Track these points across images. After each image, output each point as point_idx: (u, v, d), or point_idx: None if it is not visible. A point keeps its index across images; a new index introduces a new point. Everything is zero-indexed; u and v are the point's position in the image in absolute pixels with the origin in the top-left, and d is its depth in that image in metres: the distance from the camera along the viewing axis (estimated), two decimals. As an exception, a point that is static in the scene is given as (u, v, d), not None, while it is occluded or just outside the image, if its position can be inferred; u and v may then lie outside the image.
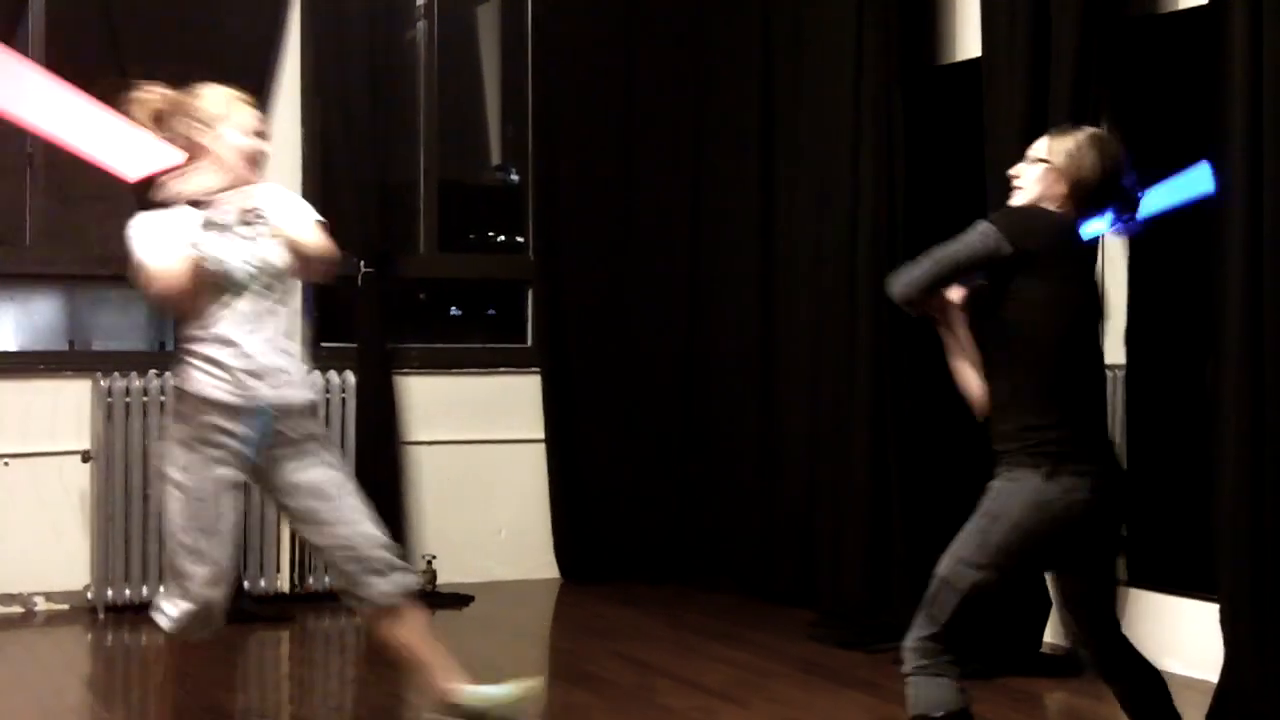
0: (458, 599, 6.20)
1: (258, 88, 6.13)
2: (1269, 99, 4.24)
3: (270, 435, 3.55)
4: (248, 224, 3.59)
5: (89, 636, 5.61)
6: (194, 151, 3.58)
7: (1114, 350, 5.49)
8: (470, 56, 7.37)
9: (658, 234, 6.87)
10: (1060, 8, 4.96)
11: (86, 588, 5.88)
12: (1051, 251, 3.20)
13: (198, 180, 3.56)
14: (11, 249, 6.08)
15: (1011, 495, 3.20)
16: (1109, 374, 5.58)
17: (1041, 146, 3.32)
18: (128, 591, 5.84)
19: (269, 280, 3.58)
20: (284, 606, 5.90)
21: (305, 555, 6.08)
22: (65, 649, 5.45)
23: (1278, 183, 4.23)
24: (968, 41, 5.66)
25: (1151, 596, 5.09)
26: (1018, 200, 3.34)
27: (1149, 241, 5.39)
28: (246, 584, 5.92)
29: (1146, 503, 5.41)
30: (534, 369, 6.76)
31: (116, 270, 6.31)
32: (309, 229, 3.58)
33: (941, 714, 3.25)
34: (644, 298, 6.85)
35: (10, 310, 6.60)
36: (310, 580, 6.08)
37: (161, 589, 3.66)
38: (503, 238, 7.41)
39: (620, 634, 5.68)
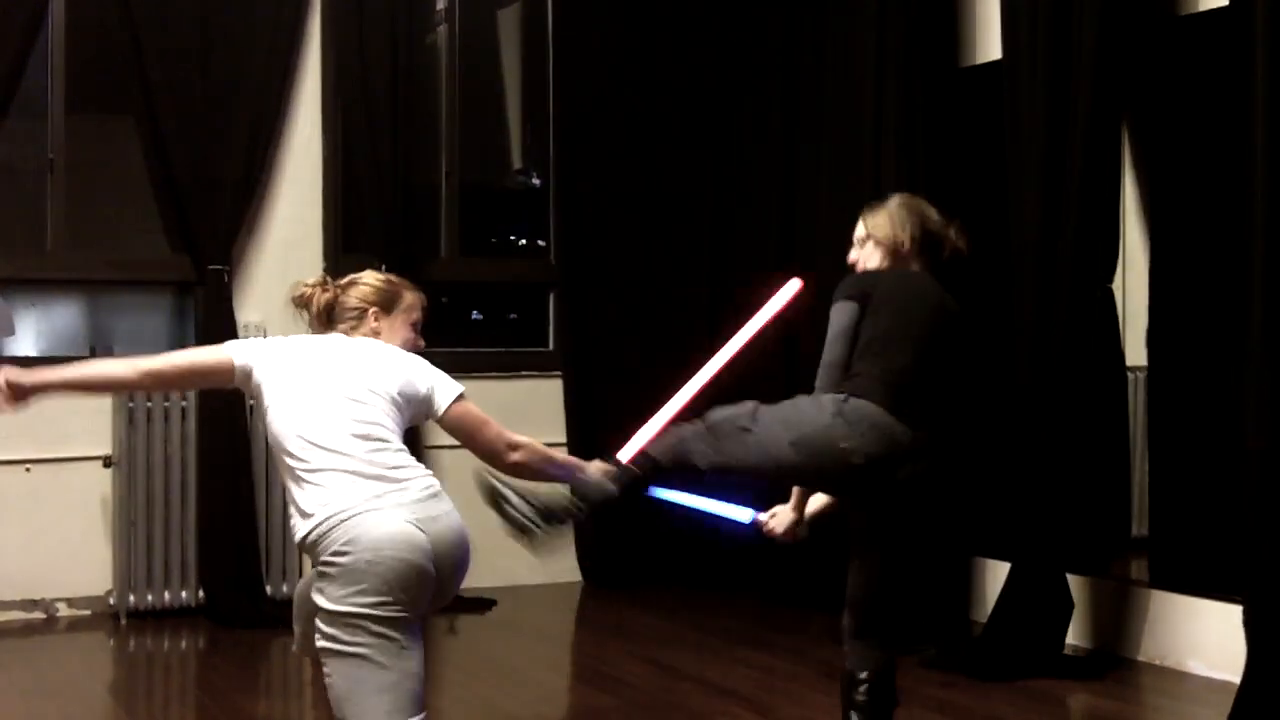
0: (481, 603, 6.20)
1: (279, 92, 6.17)
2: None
3: None
4: None
5: (111, 642, 5.62)
6: None
7: (1136, 352, 5.48)
8: (491, 60, 7.37)
9: (680, 237, 6.87)
10: (1081, 10, 4.95)
11: (108, 593, 5.90)
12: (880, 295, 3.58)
13: None
14: (32, 254, 6.10)
15: (821, 406, 3.46)
16: (1131, 375, 5.58)
17: (860, 227, 3.69)
18: (149, 597, 5.85)
19: None
20: (306, 611, 5.91)
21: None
22: (87, 655, 5.47)
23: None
24: (989, 44, 5.64)
25: (1175, 598, 5.06)
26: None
27: (1170, 243, 5.37)
28: (269, 589, 5.94)
29: (1170, 505, 5.39)
30: (556, 373, 6.75)
31: (137, 275, 6.45)
32: None
33: None
34: (666, 300, 6.84)
35: (31, 315, 6.62)
36: (332, 584, 6.08)
37: None
38: (524, 241, 7.41)
39: (643, 638, 5.67)
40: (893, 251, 3.63)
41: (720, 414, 3.60)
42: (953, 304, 3.64)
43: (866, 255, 3.69)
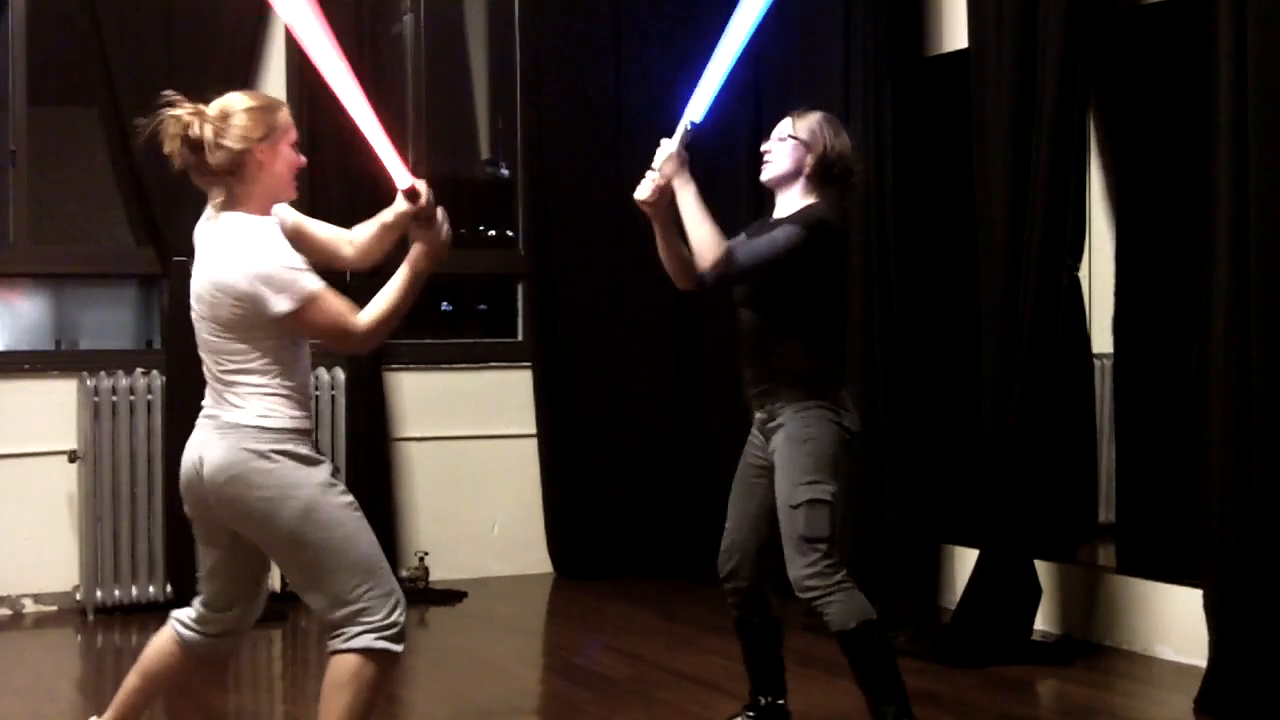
0: (451, 595, 6.19)
1: (242, 82, 6.12)
2: (1254, 88, 4.25)
3: None
4: None
5: (78, 638, 5.58)
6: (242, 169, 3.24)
7: (1101, 338, 5.51)
8: (458, 49, 7.34)
9: (648, 226, 6.84)
10: (1047, -2, 4.96)
11: (75, 589, 5.86)
12: None
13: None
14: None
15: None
16: (1097, 362, 5.62)
17: (787, 125, 3.85)
18: (117, 592, 5.81)
19: None
20: (275, 605, 5.86)
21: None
22: (54, 651, 5.43)
23: (1262, 170, 4.24)
24: (956, 33, 5.66)
25: (1142, 583, 5.09)
26: (767, 174, 3.88)
27: (1136, 230, 5.40)
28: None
29: (1136, 491, 5.43)
30: (525, 364, 6.75)
31: (102, 268, 6.41)
32: None
33: (866, 620, 3.66)
34: (635, 290, 6.83)
35: (-5, 310, 6.57)
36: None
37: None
38: (493, 232, 7.39)
39: (614, 628, 5.67)
40: (809, 155, 3.79)
41: None
42: None
43: (783, 153, 3.84)
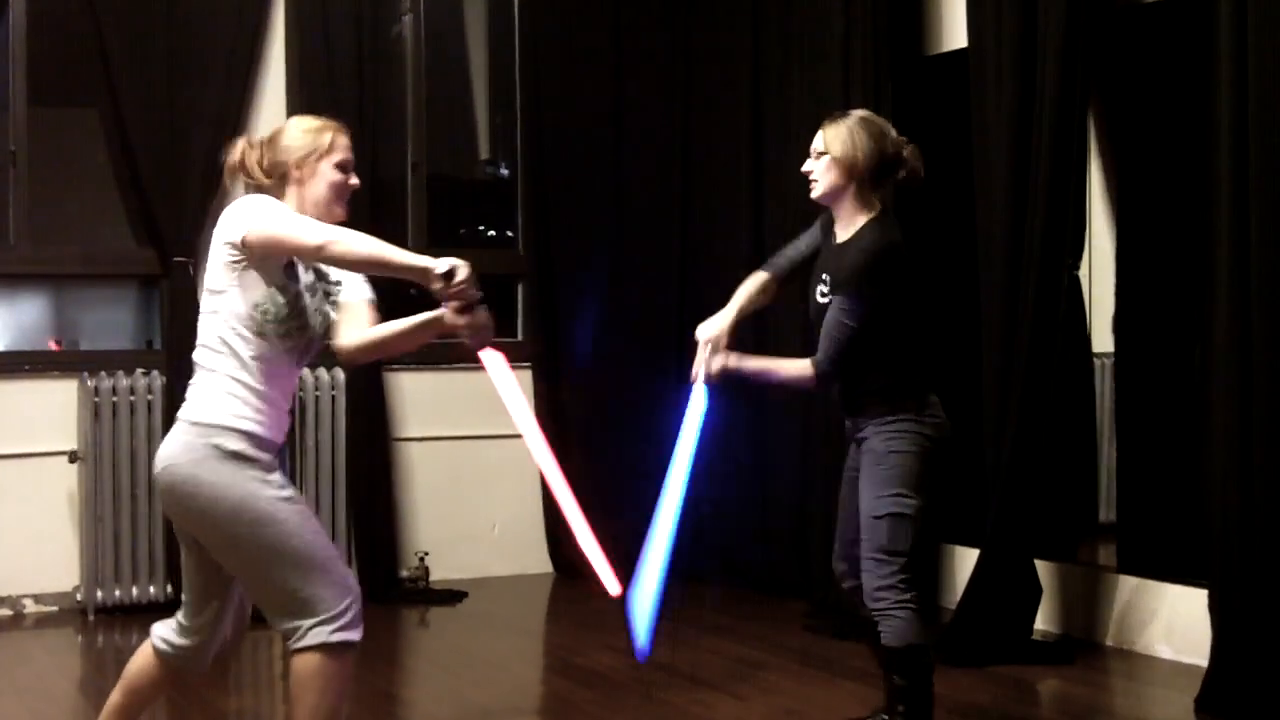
0: (451, 595, 6.19)
1: (243, 82, 6.13)
2: (1254, 87, 4.25)
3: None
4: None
5: (79, 638, 5.59)
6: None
7: (1103, 338, 5.51)
8: (458, 49, 7.35)
9: (648, 226, 6.86)
10: (1047, -3, 4.96)
11: (76, 589, 5.87)
12: None
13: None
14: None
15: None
16: (1097, 361, 5.61)
17: (819, 140, 3.73)
18: (117, 592, 5.82)
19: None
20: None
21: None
22: (55, 652, 5.43)
23: (1263, 170, 4.24)
24: (955, 32, 5.66)
25: (1142, 583, 5.09)
26: (816, 192, 3.75)
27: (1136, 229, 5.40)
28: (238, 583, 5.91)
29: (1137, 490, 5.42)
30: (525, 364, 6.74)
31: (102, 268, 6.41)
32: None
33: (919, 644, 3.72)
34: (635, 291, 6.84)
35: (-5, 310, 6.58)
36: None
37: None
38: (493, 232, 7.39)
39: (614, 628, 5.66)
40: (848, 170, 3.67)
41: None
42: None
43: (822, 171, 3.72)
